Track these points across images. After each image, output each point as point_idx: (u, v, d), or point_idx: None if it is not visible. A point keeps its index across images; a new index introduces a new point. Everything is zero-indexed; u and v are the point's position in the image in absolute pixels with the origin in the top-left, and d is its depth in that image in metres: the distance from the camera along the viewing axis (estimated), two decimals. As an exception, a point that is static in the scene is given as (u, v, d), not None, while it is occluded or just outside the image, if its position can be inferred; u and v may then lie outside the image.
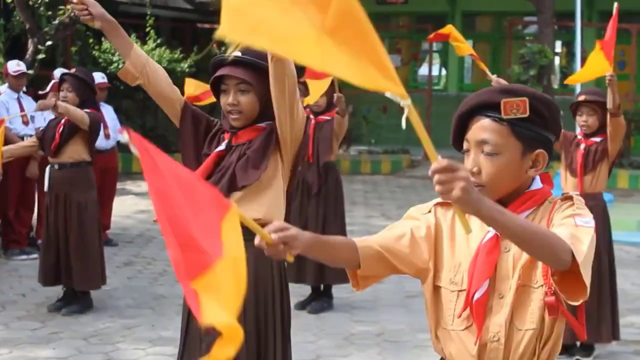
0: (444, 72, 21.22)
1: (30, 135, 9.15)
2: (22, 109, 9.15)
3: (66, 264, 6.97)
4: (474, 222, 2.44)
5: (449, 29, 5.83)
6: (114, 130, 9.86)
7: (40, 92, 9.64)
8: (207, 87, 5.22)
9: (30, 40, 13.31)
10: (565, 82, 5.30)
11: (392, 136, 19.46)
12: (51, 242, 7.01)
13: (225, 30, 1.77)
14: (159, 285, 8.01)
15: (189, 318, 3.64)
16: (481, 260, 2.38)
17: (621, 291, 7.52)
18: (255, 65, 3.46)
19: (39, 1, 13.64)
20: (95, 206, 7.18)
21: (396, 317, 7.04)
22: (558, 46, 19.85)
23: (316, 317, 7.05)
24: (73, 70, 7.53)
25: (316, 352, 6.22)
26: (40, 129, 7.51)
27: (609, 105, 5.85)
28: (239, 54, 3.47)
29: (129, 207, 12.39)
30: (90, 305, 7.16)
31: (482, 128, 2.38)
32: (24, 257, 8.96)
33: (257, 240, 2.07)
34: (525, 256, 2.35)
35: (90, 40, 16.10)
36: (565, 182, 6.26)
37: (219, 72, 3.52)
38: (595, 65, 5.90)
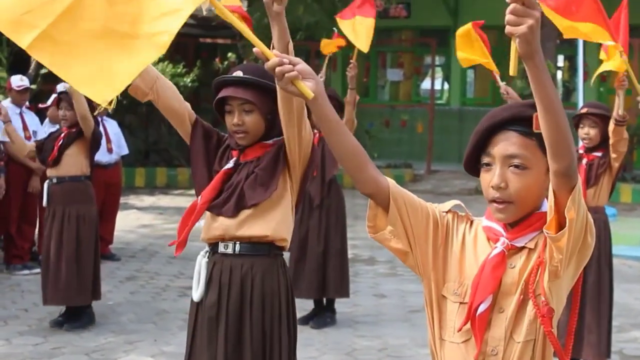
0: (446, 86, 21.23)
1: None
2: (24, 124, 9.16)
3: (62, 279, 6.93)
4: (482, 240, 2.45)
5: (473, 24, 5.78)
6: (117, 145, 9.87)
7: (40, 106, 9.68)
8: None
9: (33, 55, 13.34)
10: (566, 36, 5.20)
11: (394, 150, 19.48)
12: (50, 259, 6.98)
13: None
14: (161, 300, 8.00)
15: (194, 332, 3.64)
16: (486, 275, 2.37)
17: (624, 306, 7.51)
18: (258, 84, 3.47)
19: (43, 16, 13.68)
20: (94, 221, 7.14)
21: (399, 331, 7.02)
22: (560, 60, 19.87)
23: (319, 332, 7.04)
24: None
25: (319, 367, 6.21)
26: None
27: (615, 113, 5.84)
28: (240, 73, 3.47)
29: (132, 221, 12.38)
30: (92, 320, 7.14)
31: (510, 142, 2.36)
32: (26, 272, 8.95)
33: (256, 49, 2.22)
34: (529, 271, 2.35)
35: (94, 55, 16.14)
36: None
37: (222, 93, 3.52)
38: (613, 56, 5.81)
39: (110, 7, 2.14)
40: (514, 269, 2.39)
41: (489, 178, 2.38)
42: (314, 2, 16.72)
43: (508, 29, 2.04)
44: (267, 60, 2.23)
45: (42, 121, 9.67)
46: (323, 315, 7.32)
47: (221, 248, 3.59)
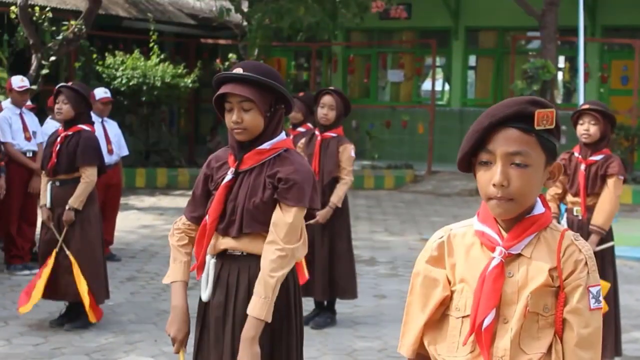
0: (447, 87, 21.23)
1: (34, 151, 9.18)
2: (24, 125, 9.16)
3: (68, 277, 6.93)
4: (476, 247, 2.44)
5: None
6: (117, 146, 9.87)
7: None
8: None
9: (34, 56, 13.36)
10: None
11: (395, 151, 19.50)
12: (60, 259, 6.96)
13: None
14: (162, 301, 8.00)
15: (201, 332, 3.64)
16: (488, 288, 2.35)
17: (625, 307, 7.50)
18: (258, 82, 3.47)
19: (43, 17, 13.70)
20: (98, 221, 7.16)
21: (399, 332, 7.00)
22: (561, 61, 19.87)
23: (319, 333, 7.04)
24: (70, 83, 7.47)
25: (319, 367, 6.21)
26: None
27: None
28: (240, 70, 3.48)
29: (132, 222, 12.39)
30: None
31: (512, 139, 2.33)
32: (27, 272, 8.94)
33: None
34: (532, 283, 2.34)
35: (94, 56, 16.17)
36: (566, 200, 6.23)
37: (222, 90, 3.52)
38: None
39: None
40: (512, 277, 2.37)
41: (489, 176, 2.34)
42: (314, 3, 16.71)
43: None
44: None
45: (41, 122, 9.68)
46: (323, 316, 7.32)
47: (229, 250, 3.59)
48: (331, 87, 7.38)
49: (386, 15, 19.35)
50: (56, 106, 7.06)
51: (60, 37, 13.69)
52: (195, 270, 3.61)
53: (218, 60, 17.99)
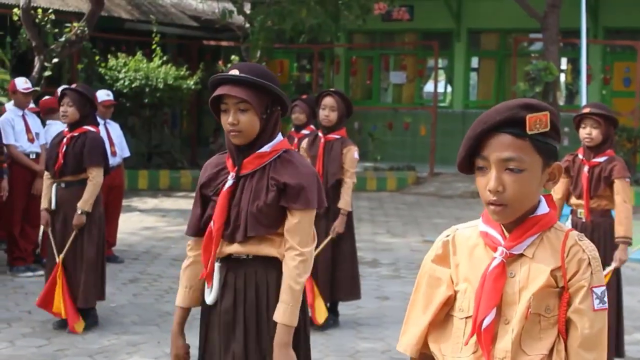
0: (449, 89, 21.24)
1: (37, 153, 9.19)
2: (27, 126, 9.17)
3: (70, 281, 6.94)
4: (480, 248, 2.44)
5: None
6: (120, 148, 9.88)
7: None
8: None
9: (36, 58, 13.38)
10: None
11: (398, 153, 19.50)
12: (55, 260, 6.97)
13: None
14: (164, 302, 8.00)
15: (207, 335, 3.63)
16: (488, 288, 2.35)
17: (627, 308, 7.50)
18: (254, 83, 3.46)
19: (46, 18, 13.71)
20: (102, 222, 7.17)
21: (402, 334, 7.00)
22: (563, 63, 19.88)
23: (322, 334, 7.04)
24: (74, 86, 7.47)
25: (322, 369, 6.21)
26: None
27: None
28: (236, 72, 3.46)
29: (135, 224, 12.39)
30: (95, 322, 7.15)
31: (505, 145, 2.32)
32: (30, 274, 8.96)
33: None
34: (534, 284, 2.34)
35: (97, 58, 16.18)
36: (570, 202, 6.22)
37: (218, 92, 3.50)
38: None
39: None
40: (514, 277, 2.37)
41: (485, 182, 2.34)
42: (317, 5, 16.73)
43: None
44: None
45: (44, 124, 9.69)
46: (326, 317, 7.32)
47: (234, 254, 3.57)
48: (332, 89, 7.38)
49: (388, 17, 19.37)
50: (61, 109, 7.06)
51: (62, 39, 13.71)
52: (205, 278, 3.60)
53: (220, 62, 17.99)
